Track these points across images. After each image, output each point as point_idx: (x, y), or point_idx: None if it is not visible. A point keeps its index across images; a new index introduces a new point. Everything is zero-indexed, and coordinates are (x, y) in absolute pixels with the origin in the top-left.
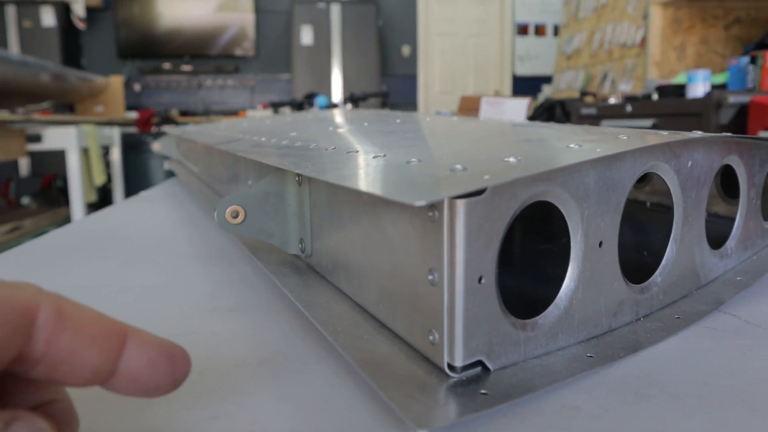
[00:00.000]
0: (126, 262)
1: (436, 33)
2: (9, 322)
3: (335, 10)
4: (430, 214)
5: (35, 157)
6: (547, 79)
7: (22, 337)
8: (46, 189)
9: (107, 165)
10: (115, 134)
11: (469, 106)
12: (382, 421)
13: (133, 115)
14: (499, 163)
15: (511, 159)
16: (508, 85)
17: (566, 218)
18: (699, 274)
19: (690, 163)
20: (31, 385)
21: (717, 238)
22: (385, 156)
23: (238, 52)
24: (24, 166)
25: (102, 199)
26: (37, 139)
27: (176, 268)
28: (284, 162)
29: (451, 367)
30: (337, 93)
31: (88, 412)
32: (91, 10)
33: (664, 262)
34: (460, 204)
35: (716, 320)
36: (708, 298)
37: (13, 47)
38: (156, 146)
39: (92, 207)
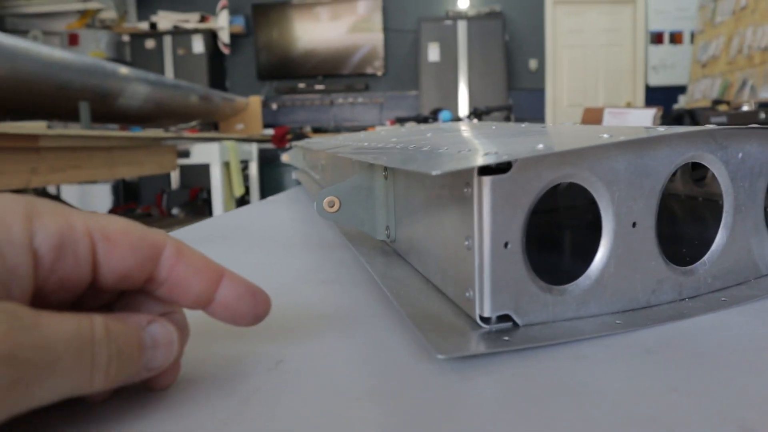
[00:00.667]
0: (246, 247)
1: (564, 45)
2: (146, 252)
3: (461, 27)
4: (466, 190)
5: (184, 171)
6: (684, 89)
7: (153, 263)
8: (193, 200)
9: (246, 178)
10: (253, 150)
11: (593, 118)
12: (420, 355)
13: (270, 132)
14: (529, 149)
15: (540, 146)
16: (640, 96)
17: (596, 199)
18: (758, 263)
19: (740, 155)
20: (157, 301)
21: None
22: (446, 149)
23: (369, 70)
24: (174, 179)
25: None
26: (186, 154)
27: (285, 252)
28: (367, 157)
29: (483, 319)
30: (463, 108)
31: (196, 340)
32: (234, 36)
33: (713, 248)
34: (486, 180)
35: (765, 304)
36: (764, 285)
37: (169, 72)
38: (285, 158)
39: None
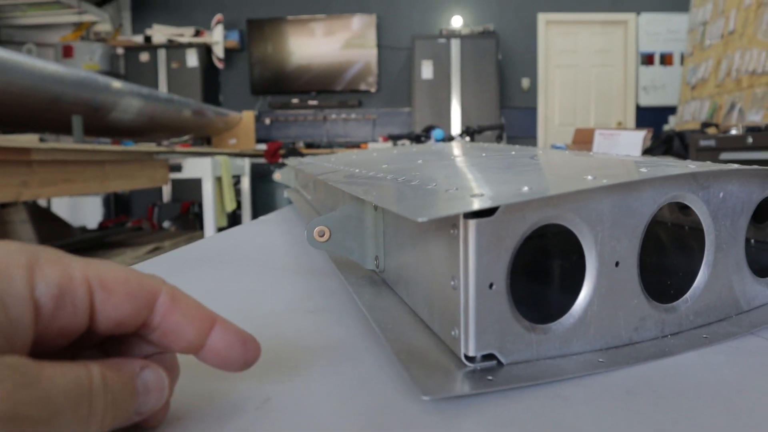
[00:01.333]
0: (236, 271)
1: (556, 65)
2: (142, 301)
3: (455, 45)
4: (452, 231)
5: (175, 185)
6: (674, 110)
7: (148, 309)
8: (184, 214)
9: (237, 193)
10: (245, 165)
11: (584, 139)
12: (406, 393)
13: (263, 147)
14: (515, 191)
15: (525, 188)
16: (631, 117)
17: (580, 240)
18: (739, 300)
19: (722, 194)
20: (150, 344)
21: None
22: (435, 185)
23: (363, 86)
24: (166, 193)
25: (231, 224)
26: (178, 168)
27: (276, 277)
28: (357, 189)
29: (468, 358)
30: (456, 125)
31: (185, 376)
32: (228, 51)
33: (694, 285)
34: (472, 223)
35: (746, 342)
36: (745, 322)
37: (162, 86)
38: (276, 176)
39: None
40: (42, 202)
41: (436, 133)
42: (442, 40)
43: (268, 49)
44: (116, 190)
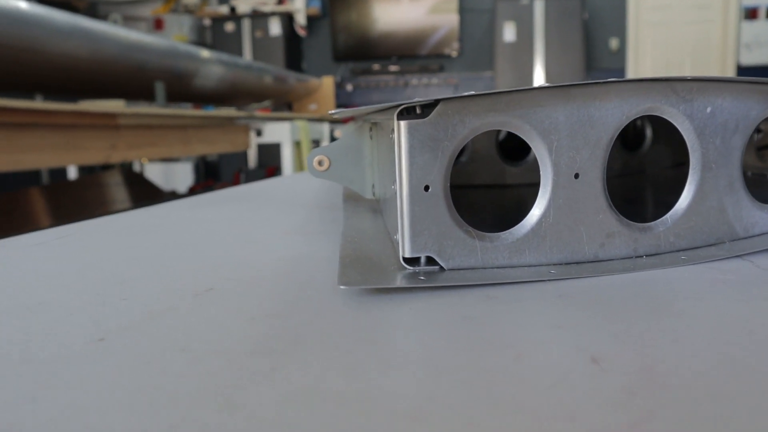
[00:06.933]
0: (258, 205)
1: (648, 23)
2: None
3: (539, 6)
4: (391, 136)
5: (261, 150)
6: None
7: None
8: (269, 178)
9: None
10: (324, 129)
11: None
12: (333, 289)
13: None
14: (463, 97)
15: (471, 92)
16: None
17: (532, 148)
18: (734, 225)
19: (709, 109)
20: None
21: None
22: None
23: (447, 51)
24: (252, 158)
25: None
26: (258, 133)
27: (292, 210)
28: (359, 117)
29: (407, 261)
30: None
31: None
32: (311, 19)
33: (676, 206)
34: (403, 125)
35: (727, 264)
36: (736, 247)
37: (247, 55)
38: (338, 133)
39: None
40: (136, 167)
41: None
42: (525, 1)
43: (352, 16)
44: (198, 153)
